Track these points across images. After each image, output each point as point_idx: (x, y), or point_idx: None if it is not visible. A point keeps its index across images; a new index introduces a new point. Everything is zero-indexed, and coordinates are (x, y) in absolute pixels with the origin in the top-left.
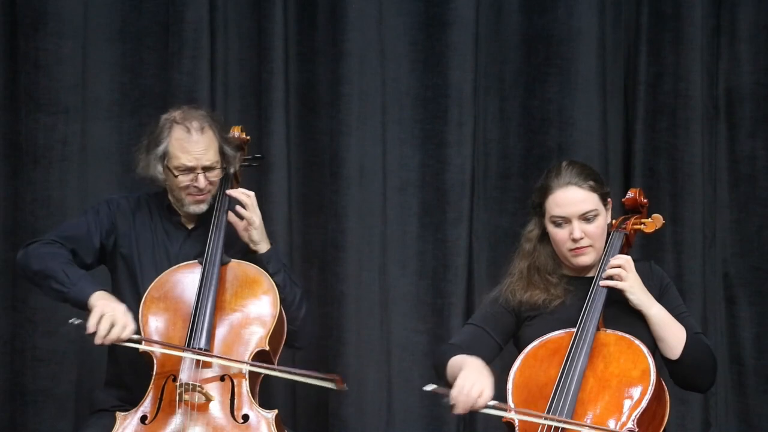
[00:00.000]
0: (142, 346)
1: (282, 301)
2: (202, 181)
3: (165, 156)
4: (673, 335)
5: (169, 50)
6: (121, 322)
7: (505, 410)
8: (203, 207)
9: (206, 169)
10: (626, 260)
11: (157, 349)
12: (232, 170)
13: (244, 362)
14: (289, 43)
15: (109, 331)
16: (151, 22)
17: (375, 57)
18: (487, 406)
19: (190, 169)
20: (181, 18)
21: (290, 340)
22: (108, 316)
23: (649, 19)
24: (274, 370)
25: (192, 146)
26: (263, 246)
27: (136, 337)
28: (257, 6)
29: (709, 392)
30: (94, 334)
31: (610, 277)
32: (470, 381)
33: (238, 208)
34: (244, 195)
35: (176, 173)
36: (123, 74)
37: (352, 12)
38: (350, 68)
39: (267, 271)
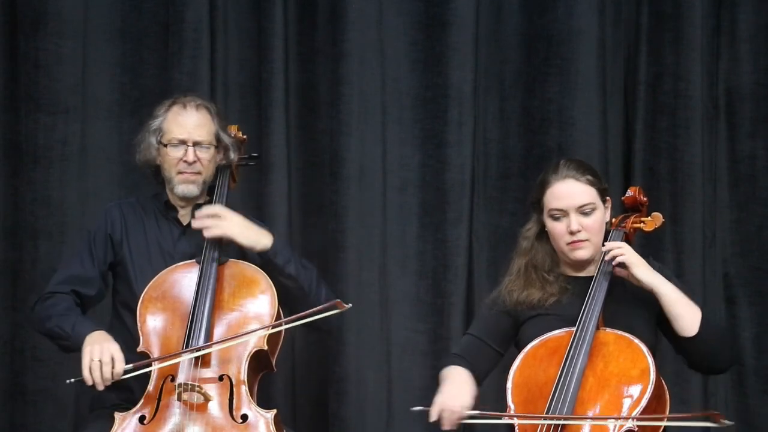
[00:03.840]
0: (139, 372)
1: (300, 289)
2: (191, 155)
3: (159, 131)
4: (688, 311)
5: (169, 50)
6: (106, 358)
7: (498, 417)
8: (192, 189)
9: (197, 144)
10: (621, 243)
11: (156, 367)
12: (228, 160)
13: (250, 332)
14: (289, 43)
15: (102, 373)
16: (151, 22)
17: (375, 57)
18: (471, 417)
19: (182, 142)
20: (181, 18)
21: (318, 324)
22: (95, 363)
23: (649, 19)
24: (280, 324)
25: (185, 119)
26: (262, 242)
27: (129, 366)
28: (257, 6)
29: (709, 392)
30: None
31: (612, 263)
32: (448, 395)
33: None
34: (207, 218)
35: (166, 144)
36: (123, 74)
37: (352, 12)
38: (350, 68)
39: (277, 265)
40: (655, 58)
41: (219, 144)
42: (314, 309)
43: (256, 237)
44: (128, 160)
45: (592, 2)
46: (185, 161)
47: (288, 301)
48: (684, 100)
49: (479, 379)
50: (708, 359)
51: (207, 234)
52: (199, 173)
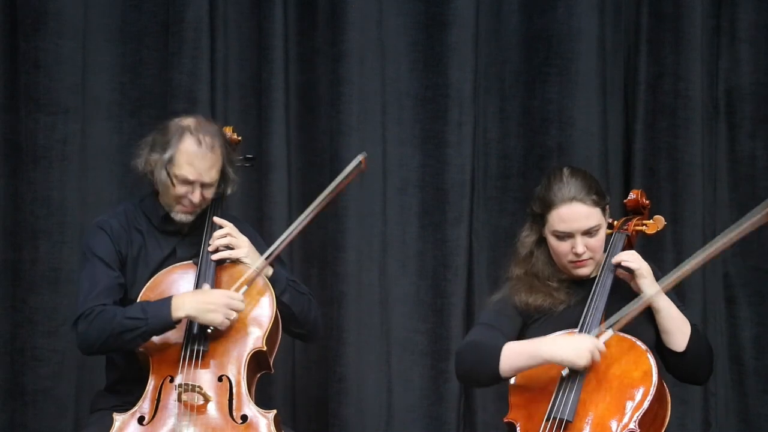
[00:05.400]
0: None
1: (291, 315)
2: (197, 197)
3: (170, 161)
4: (679, 328)
5: (169, 50)
6: (221, 308)
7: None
8: (190, 218)
9: (204, 185)
10: (633, 252)
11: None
12: (229, 191)
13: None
14: (289, 43)
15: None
16: (151, 22)
17: (375, 57)
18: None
19: (190, 182)
20: (181, 18)
21: (303, 339)
22: (218, 312)
23: (649, 19)
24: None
25: (199, 161)
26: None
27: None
28: (257, 6)
29: (709, 392)
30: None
31: (620, 267)
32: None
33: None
34: (221, 241)
35: (175, 182)
36: (123, 74)
37: (352, 12)
38: (350, 68)
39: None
40: (655, 58)
41: (223, 177)
42: (341, 175)
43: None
44: (128, 160)
45: (592, 2)
46: (190, 199)
47: (281, 321)
48: (684, 100)
49: None
50: (688, 373)
51: (215, 257)
52: (199, 206)
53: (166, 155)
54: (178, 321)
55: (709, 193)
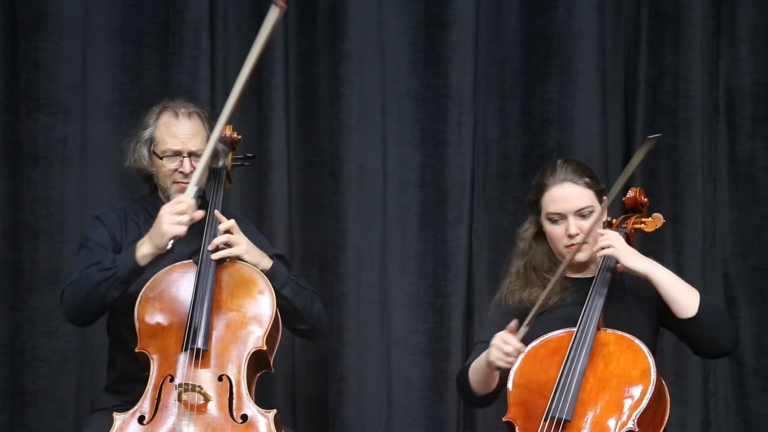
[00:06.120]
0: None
1: (294, 309)
2: (187, 166)
3: (151, 141)
4: (684, 292)
5: (169, 50)
6: (170, 220)
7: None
8: None
9: (192, 154)
10: (612, 235)
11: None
12: (221, 164)
13: None
14: (289, 43)
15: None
16: (151, 22)
17: (375, 57)
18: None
19: (177, 153)
20: (181, 18)
21: (308, 336)
22: (163, 223)
23: (649, 19)
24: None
25: (179, 130)
26: (263, 263)
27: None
28: (257, 6)
29: (709, 392)
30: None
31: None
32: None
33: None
34: (222, 238)
35: (162, 156)
36: (123, 74)
37: (352, 12)
38: (350, 68)
39: (273, 288)
40: (655, 58)
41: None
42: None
43: (259, 258)
44: None
45: (592, 2)
46: (181, 172)
47: (282, 317)
48: (684, 100)
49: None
50: (712, 340)
51: (215, 256)
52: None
53: (148, 138)
54: (144, 260)
55: (709, 193)
